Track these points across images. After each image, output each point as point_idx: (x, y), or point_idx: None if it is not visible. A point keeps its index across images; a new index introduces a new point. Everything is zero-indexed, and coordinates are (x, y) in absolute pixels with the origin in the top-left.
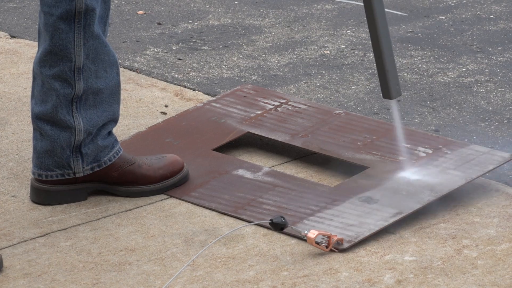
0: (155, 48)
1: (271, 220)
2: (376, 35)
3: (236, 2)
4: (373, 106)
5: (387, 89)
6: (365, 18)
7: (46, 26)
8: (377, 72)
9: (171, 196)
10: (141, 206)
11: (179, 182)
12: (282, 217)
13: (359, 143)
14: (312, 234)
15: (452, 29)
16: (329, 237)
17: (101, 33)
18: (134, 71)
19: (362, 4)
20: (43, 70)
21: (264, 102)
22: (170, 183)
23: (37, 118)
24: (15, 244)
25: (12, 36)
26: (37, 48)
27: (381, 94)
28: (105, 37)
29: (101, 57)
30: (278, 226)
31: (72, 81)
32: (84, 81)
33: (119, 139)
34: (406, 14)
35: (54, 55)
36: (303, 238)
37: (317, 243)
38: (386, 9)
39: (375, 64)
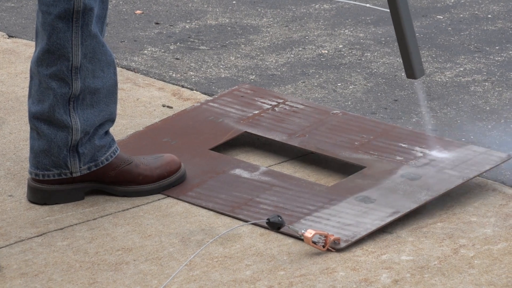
0: (153, 47)
1: (268, 219)
2: (398, 16)
3: (234, 2)
4: (371, 106)
5: (411, 69)
6: (363, 18)
7: (44, 25)
8: (400, 53)
9: (168, 196)
10: (138, 206)
11: (176, 182)
12: (279, 216)
13: (356, 143)
14: (309, 233)
15: (450, 28)
16: (326, 236)
17: (98, 32)
18: (131, 70)
19: (360, 4)
20: (40, 69)
21: (262, 102)
22: (167, 182)
23: (34, 117)
24: (12, 244)
25: (10, 36)
26: (34, 48)
27: (405, 75)
28: (102, 37)
29: (98, 57)
30: (275, 226)
31: (69, 81)
32: (81, 81)
33: (116, 138)
34: None
35: (51, 54)
36: (300, 238)
37: (314, 242)
38: (384, 9)
39: (372, 64)
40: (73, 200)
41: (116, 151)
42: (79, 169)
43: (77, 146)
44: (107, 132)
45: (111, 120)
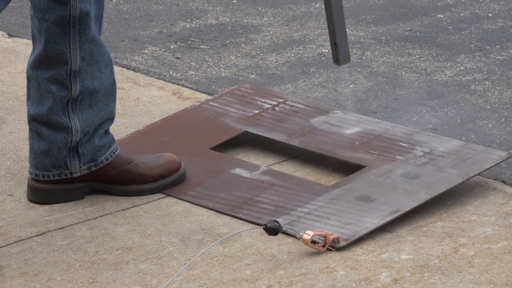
0: (153, 47)
1: (265, 225)
2: (329, 2)
3: (235, 1)
4: (371, 105)
5: (337, 55)
6: (363, 17)
7: (40, 31)
8: (329, 39)
9: (168, 195)
10: (138, 205)
11: (176, 181)
12: (275, 221)
13: (356, 142)
14: (307, 235)
15: (451, 27)
16: (325, 236)
17: (97, 34)
18: (132, 70)
19: (360, 2)
20: (38, 73)
21: (262, 101)
22: (167, 182)
23: (33, 119)
24: (11, 243)
25: (10, 35)
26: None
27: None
28: (100, 36)
29: (96, 58)
30: (272, 231)
31: (69, 84)
32: (80, 84)
33: (116, 138)
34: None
35: (50, 58)
36: (299, 240)
37: (313, 242)
38: (384, 12)
39: (373, 63)
40: (73, 200)
41: (116, 151)
42: (79, 169)
43: (77, 146)
44: (107, 132)
45: (111, 119)
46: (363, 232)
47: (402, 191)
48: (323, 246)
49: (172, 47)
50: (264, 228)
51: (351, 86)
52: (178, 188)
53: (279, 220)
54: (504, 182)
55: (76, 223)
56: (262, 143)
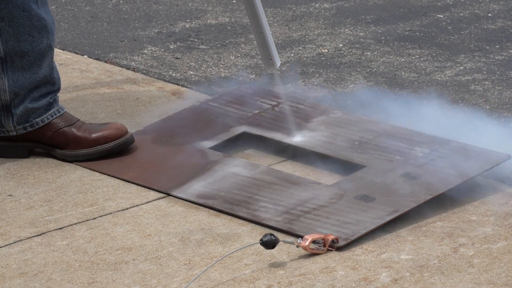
0: (153, 47)
1: (261, 240)
2: (250, 15)
3: (234, 1)
4: (371, 105)
5: (264, 63)
6: (363, 17)
7: None
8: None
9: (168, 195)
10: (138, 205)
11: (114, 149)
12: (271, 234)
13: (356, 142)
14: (305, 241)
15: (450, 27)
16: (323, 239)
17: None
18: (131, 70)
19: (360, 2)
20: None
21: (262, 102)
22: (103, 149)
23: None
24: (11, 244)
25: None
26: None
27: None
28: (35, 4)
29: (19, 21)
30: (269, 245)
31: None
32: (3, 43)
33: None
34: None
35: None
36: (297, 247)
37: (314, 242)
38: (384, 12)
39: (372, 63)
40: (16, 157)
41: (57, 114)
42: (14, 128)
43: (10, 106)
44: (44, 95)
45: (49, 84)
46: (363, 231)
47: (401, 191)
48: (324, 246)
49: (172, 47)
50: (261, 243)
51: (350, 86)
52: (177, 188)
53: (279, 218)
54: (503, 182)
55: (75, 223)
56: (262, 143)
